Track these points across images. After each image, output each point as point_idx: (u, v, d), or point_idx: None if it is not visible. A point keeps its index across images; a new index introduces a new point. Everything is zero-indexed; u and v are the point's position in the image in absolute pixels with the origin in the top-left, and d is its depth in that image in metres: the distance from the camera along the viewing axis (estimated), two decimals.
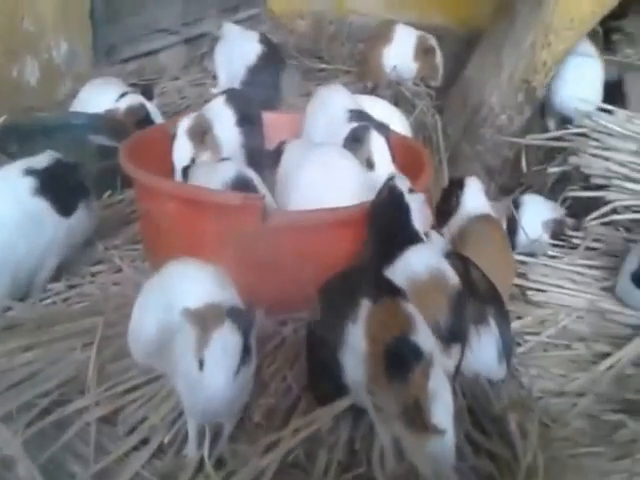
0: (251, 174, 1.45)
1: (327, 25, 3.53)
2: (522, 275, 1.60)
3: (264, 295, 1.33)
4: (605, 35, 2.49)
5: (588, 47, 2.30)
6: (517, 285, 1.56)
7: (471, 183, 1.61)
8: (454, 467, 0.91)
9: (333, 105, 1.83)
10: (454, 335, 1.11)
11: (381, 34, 2.78)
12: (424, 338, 0.98)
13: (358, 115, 1.78)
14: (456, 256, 1.34)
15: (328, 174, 1.44)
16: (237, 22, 2.88)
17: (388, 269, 1.21)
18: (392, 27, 2.75)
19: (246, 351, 0.98)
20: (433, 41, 2.70)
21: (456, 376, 1.11)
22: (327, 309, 1.12)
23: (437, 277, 1.16)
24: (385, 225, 1.31)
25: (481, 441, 1.04)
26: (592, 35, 2.35)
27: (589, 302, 1.52)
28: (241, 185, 1.40)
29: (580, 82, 2.19)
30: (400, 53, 2.70)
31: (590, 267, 1.65)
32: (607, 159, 1.84)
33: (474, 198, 1.57)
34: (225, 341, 0.97)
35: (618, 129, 1.93)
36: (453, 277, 1.18)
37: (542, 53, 2.24)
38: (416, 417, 0.90)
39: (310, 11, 3.60)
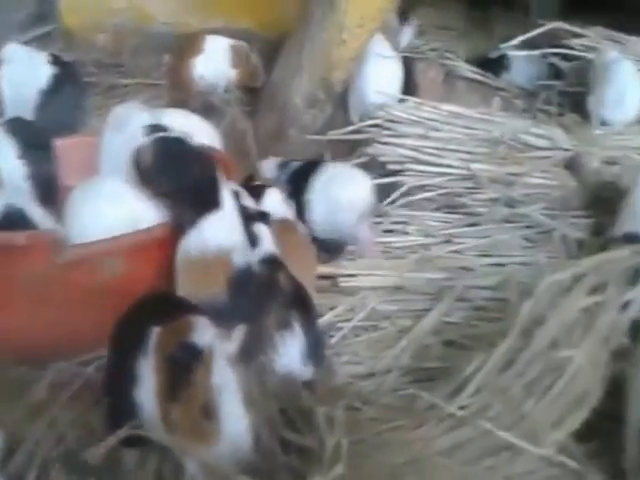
0: (26, 205, 1.36)
1: (129, 37, 3.41)
2: (334, 265, 1.68)
3: (63, 336, 1.27)
4: None
5: (384, 43, 2.45)
6: (328, 277, 1.64)
7: (270, 192, 1.65)
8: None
9: (128, 123, 1.77)
10: (234, 315, 1.15)
11: (190, 45, 2.76)
12: (202, 334, 0.99)
13: (155, 130, 1.74)
14: (267, 260, 1.37)
15: (107, 209, 1.40)
16: (28, 42, 2.68)
17: (183, 239, 1.29)
18: (201, 38, 2.74)
19: None
20: (246, 45, 2.73)
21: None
22: (119, 345, 1.09)
23: (222, 253, 1.22)
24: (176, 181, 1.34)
25: (291, 438, 1.07)
26: (387, 30, 2.52)
27: (394, 280, 1.63)
28: (10, 219, 1.31)
29: (379, 77, 2.32)
30: (213, 63, 2.70)
31: (391, 247, 1.76)
32: (400, 146, 1.98)
33: (271, 205, 1.61)
34: None
35: (407, 116, 2.08)
36: (238, 255, 1.23)
37: (338, 51, 2.35)
38: (207, 419, 0.92)
39: (110, 24, 3.46)
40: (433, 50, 2.96)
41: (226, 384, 0.94)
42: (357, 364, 1.38)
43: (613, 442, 1.12)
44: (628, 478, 1.04)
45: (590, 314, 1.17)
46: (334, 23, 2.34)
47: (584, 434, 1.14)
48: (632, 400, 1.09)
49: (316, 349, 1.28)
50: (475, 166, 1.90)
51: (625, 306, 1.25)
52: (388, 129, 2.03)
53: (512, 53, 2.62)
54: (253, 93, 2.71)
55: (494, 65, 2.73)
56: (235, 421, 0.93)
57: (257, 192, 1.69)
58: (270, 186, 1.75)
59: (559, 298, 1.21)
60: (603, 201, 1.87)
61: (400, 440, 1.08)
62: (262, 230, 1.43)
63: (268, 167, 1.86)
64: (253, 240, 1.40)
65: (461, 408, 1.10)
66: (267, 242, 1.42)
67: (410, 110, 2.09)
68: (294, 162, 1.83)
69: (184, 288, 1.28)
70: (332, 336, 1.45)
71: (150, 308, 1.09)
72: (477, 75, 2.64)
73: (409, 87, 2.44)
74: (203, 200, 1.31)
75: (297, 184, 1.73)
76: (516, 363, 1.13)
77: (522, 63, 2.68)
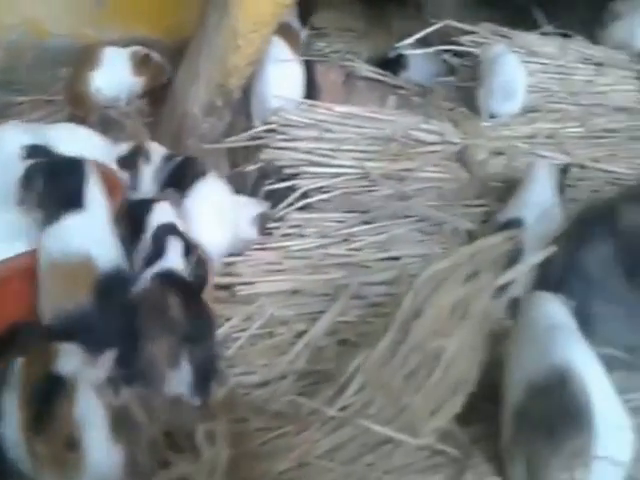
0: None
1: (23, 53, 3.28)
2: (232, 274, 1.66)
3: None
4: None
5: (284, 46, 2.44)
6: (226, 286, 1.62)
7: (160, 205, 1.60)
8: None
9: (4, 145, 1.69)
10: (102, 327, 1.11)
11: (87, 58, 2.67)
12: (66, 362, 0.95)
13: (33, 150, 1.67)
14: (162, 276, 1.33)
15: None
16: None
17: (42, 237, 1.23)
18: (99, 50, 2.65)
19: None
20: (144, 48, 2.66)
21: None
22: None
23: (85, 256, 1.17)
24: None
25: (172, 460, 1.04)
26: (288, 33, 2.52)
27: (291, 284, 1.62)
28: None
29: (280, 81, 2.31)
30: (114, 75, 2.62)
31: (289, 251, 1.75)
32: (294, 149, 1.98)
33: (162, 219, 1.58)
34: None
35: (301, 119, 2.09)
36: (105, 259, 1.19)
37: (233, 57, 2.32)
38: (71, 450, 0.89)
39: (4, 39, 3.31)
40: (335, 52, 2.99)
41: (90, 413, 0.91)
42: (251, 374, 1.36)
43: (495, 425, 1.14)
44: (504, 459, 1.07)
45: (465, 301, 1.20)
46: (228, 29, 2.32)
47: (469, 418, 1.17)
48: (506, 382, 1.12)
49: (205, 383, 1.22)
50: (369, 164, 1.92)
51: (502, 290, 1.28)
52: (283, 133, 2.03)
53: (408, 52, 2.68)
54: (157, 103, 2.66)
55: (393, 64, 2.78)
56: (100, 450, 0.90)
57: (146, 206, 1.65)
58: (161, 200, 1.72)
59: (438, 288, 1.23)
60: (494, 190, 1.93)
61: (284, 447, 1.07)
62: (172, 244, 1.40)
63: (156, 152, 1.88)
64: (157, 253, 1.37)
65: (344, 408, 1.10)
66: (172, 256, 1.39)
67: (304, 113, 2.09)
68: (177, 157, 1.86)
69: (47, 296, 1.21)
70: (228, 348, 1.43)
71: (12, 339, 1.04)
72: (377, 75, 2.68)
73: (311, 90, 2.45)
74: (63, 196, 1.27)
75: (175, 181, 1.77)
76: (396, 356, 1.15)
77: (419, 61, 2.74)
